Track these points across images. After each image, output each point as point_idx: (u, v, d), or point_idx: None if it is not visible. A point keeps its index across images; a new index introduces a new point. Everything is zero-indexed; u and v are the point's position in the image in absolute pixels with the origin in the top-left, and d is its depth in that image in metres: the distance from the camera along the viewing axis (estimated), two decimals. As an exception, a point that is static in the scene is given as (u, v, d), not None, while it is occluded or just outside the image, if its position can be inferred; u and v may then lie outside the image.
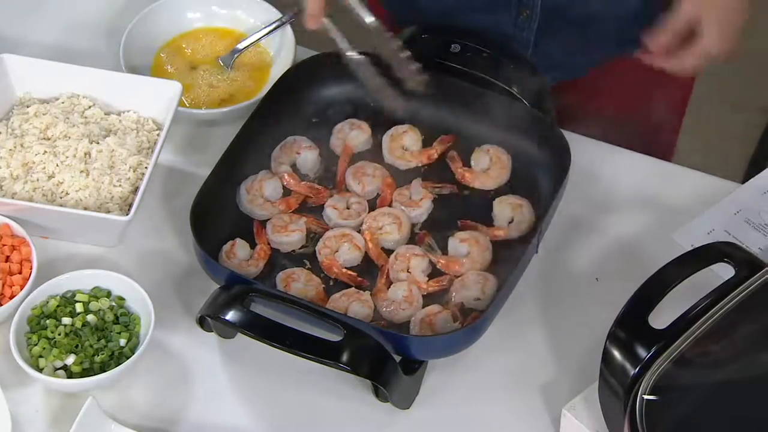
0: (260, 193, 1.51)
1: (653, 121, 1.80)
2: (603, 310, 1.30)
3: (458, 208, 1.51)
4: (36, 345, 1.38)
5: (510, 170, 1.53)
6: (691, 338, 1.20)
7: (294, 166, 1.55)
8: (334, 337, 1.32)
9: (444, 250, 1.47)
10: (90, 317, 1.41)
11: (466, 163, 1.54)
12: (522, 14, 1.63)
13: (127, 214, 1.46)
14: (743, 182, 1.58)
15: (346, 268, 1.46)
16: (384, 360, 1.32)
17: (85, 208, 1.47)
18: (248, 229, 1.49)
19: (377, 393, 1.36)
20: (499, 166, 1.52)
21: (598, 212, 1.54)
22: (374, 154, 1.56)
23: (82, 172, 1.50)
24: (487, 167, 1.53)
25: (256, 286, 1.38)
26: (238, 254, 1.46)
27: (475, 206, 1.51)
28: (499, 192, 1.52)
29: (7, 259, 1.45)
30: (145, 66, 1.68)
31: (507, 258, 1.44)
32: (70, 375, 1.37)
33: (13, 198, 1.48)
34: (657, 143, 1.75)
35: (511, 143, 1.54)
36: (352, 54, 1.49)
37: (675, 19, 1.45)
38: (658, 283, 1.25)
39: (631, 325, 1.23)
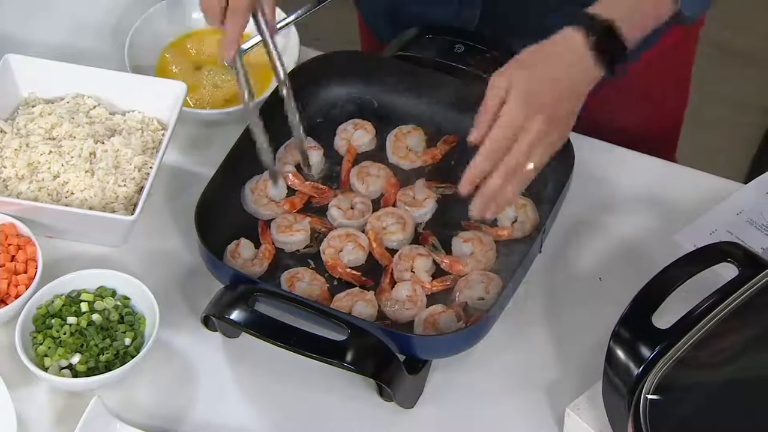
0: (265, 193, 1.51)
1: (653, 121, 1.80)
2: (606, 310, 1.31)
3: (462, 208, 1.50)
4: (41, 344, 1.39)
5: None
6: (694, 338, 1.20)
7: (298, 166, 1.55)
8: (339, 336, 1.33)
9: (448, 250, 1.47)
10: (95, 316, 1.41)
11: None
12: (463, 10, 1.62)
13: (132, 214, 1.46)
14: (746, 182, 1.58)
15: (350, 267, 1.46)
16: (388, 359, 1.33)
17: (90, 208, 1.48)
18: (253, 228, 1.50)
19: (381, 392, 1.37)
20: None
21: (602, 212, 1.55)
22: (378, 154, 1.57)
23: (87, 171, 1.50)
24: None
25: (260, 286, 1.38)
26: (243, 254, 1.46)
27: (479, 206, 1.51)
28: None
29: (13, 258, 1.45)
30: (150, 66, 1.69)
31: (511, 258, 1.45)
32: (76, 374, 1.37)
33: (18, 198, 1.48)
34: (659, 144, 1.75)
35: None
36: (249, 102, 1.45)
37: (487, 96, 1.32)
38: (662, 282, 1.26)
39: (635, 324, 1.23)
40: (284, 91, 1.45)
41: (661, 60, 1.69)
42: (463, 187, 1.31)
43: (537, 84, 1.30)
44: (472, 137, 1.30)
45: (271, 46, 1.44)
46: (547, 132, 1.30)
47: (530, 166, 1.30)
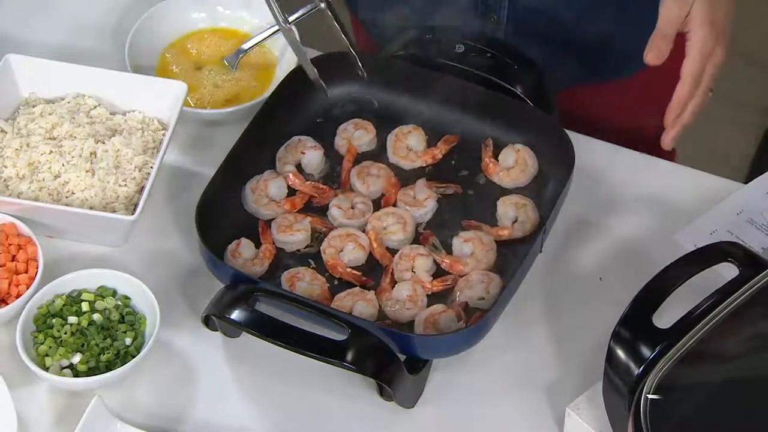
0: (265, 193, 1.51)
1: (652, 120, 1.80)
2: (607, 310, 1.31)
3: (462, 208, 1.51)
4: (42, 344, 1.39)
5: (530, 176, 1.53)
6: (695, 338, 1.20)
7: (299, 166, 1.55)
8: (339, 336, 1.33)
9: (448, 250, 1.47)
10: (96, 316, 1.41)
11: (473, 160, 1.54)
12: (490, 18, 1.63)
13: (132, 214, 1.46)
14: (746, 182, 1.58)
15: (350, 267, 1.46)
16: (389, 359, 1.33)
17: (91, 208, 1.48)
18: (253, 228, 1.50)
19: (382, 392, 1.37)
20: (521, 169, 1.52)
21: (602, 212, 1.55)
22: (379, 153, 1.57)
23: (87, 171, 1.50)
24: (511, 165, 1.53)
25: (261, 286, 1.38)
26: (243, 254, 1.46)
27: (480, 206, 1.51)
28: (505, 192, 1.52)
29: (14, 258, 1.45)
30: (151, 66, 1.69)
31: (511, 258, 1.45)
32: (76, 374, 1.37)
33: (19, 197, 1.48)
34: (659, 144, 1.75)
35: (515, 143, 1.55)
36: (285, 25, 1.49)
37: (661, 24, 1.40)
38: (662, 282, 1.26)
39: (636, 324, 1.23)
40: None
41: (666, 65, 1.69)
42: (667, 119, 1.40)
43: (718, 13, 1.37)
44: (651, 58, 1.38)
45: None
46: (724, 59, 1.38)
47: (710, 92, 1.40)
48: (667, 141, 1.43)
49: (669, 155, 1.80)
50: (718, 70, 1.40)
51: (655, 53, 1.38)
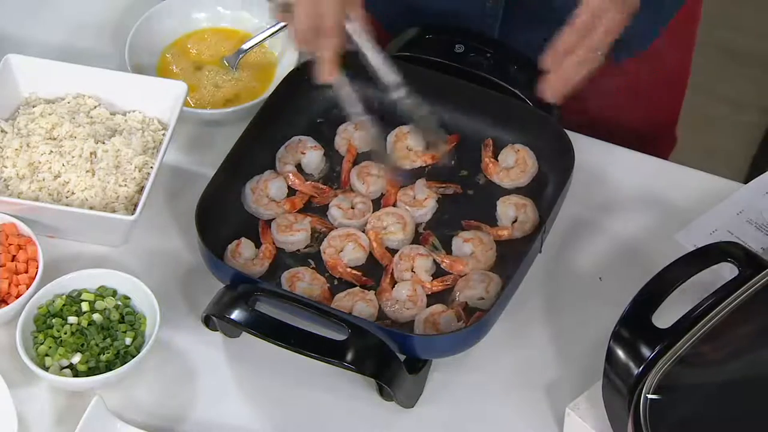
0: (265, 193, 1.52)
1: (648, 120, 1.80)
2: (606, 310, 1.31)
3: (462, 208, 1.51)
4: (42, 344, 1.39)
5: (530, 176, 1.53)
6: (694, 338, 1.20)
7: (299, 166, 1.55)
8: (339, 336, 1.33)
9: (448, 250, 1.48)
10: (96, 316, 1.41)
11: (476, 159, 1.54)
12: (488, 0, 1.63)
13: (132, 214, 1.46)
14: (746, 182, 1.58)
15: (350, 267, 1.46)
16: (388, 359, 1.33)
17: (91, 208, 1.48)
18: (253, 228, 1.50)
19: (382, 392, 1.37)
20: (521, 169, 1.52)
21: (602, 212, 1.55)
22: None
23: (87, 171, 1.50)
24: (511, 166, 1.53)
25: (261, 286, 1.38)
26: (243, 254, 1.46)
27: (479, 206, 1.51)
28: (504, 192, 1.52)
29: (14, 258, 1.45)
30: (151, 66, 1.69)
31: (511, 257, 1.45)
32: (76, 374, 1.38)
33: (19, 197, 1.48)
34: (655, 142, 1.76)
35: (515, 143, 1.55)
36: (361, 117, 1.48)
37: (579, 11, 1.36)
38: (662, 282, 1.26)
39: (635, 324, 1.24)
40: (397, 95, 1.47)
41: (658, 55, 1.70)
42: (546, 60, 1.36)
43: None
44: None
45: (374, 55, 1.44)
46: (621, 21, 1.36)
47: (599, 52, 1.36)
48: (542, 87, 1.38)
49: (664, 153, 1.81)
50: (611, 32, 1.36)
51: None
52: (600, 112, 1.71)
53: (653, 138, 1.78)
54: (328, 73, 1.42)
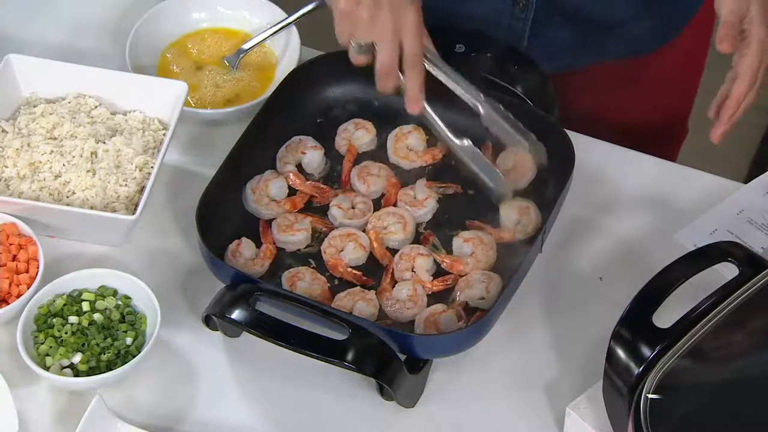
0: (266, 193, 1.52)
1: (658, 121, 1.80)
2: (607, 310, 1.31)
3: (463, 208, 1.51)
4: (43, 343, 1.39)
5: (529, 177, 1.52)
6: (695, 337, 1.20)
7: (299, 166, 1.55)
8: (340, 336, 1.33)
9: (448, 250, 1.48)
10: (96, 316, 1.41)
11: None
12: (518, 3, 1.63)
13: (133, 214, 1.46)
14: (746, 182, 1.58)
15: (351, 267, 1.46)
16: (389, 359, 1.33)
17: (92, 208, 1.48)
18: (254, 228, 1.50)
19: (382, 391, 1.37)
20: (520, 172, 1.52)
21: (602, 212, 1.55)
22: (379, 153, 1.57)
23: (88, 171, 1.50)
24: (510, 168, 1.53)
25: (261, 285, 1.38)
26: (244, 253, 1.46)
27: (480, 206, 1.51)
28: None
29: (14, 258, 1.45)
30: (151, 66, 1.69)
31: (511, 257, 1.45)
32: (77, 373, 1.38)
33: (20, 197, 1.48)
34: (661, 144, 1.76)
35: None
36: (455, 141, 1.47)
37: (726, 17, 1.39)
38: (662, 282, 1.26)
39: (636, 324, 1.24)
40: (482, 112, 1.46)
41: (671, 59, 1.70)
42: (725, 113, 1.41)
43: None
44: (725, 47, 1.37)
45: (452, 77, 1.46)
46: None
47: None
48: (717, 135, 1.44)
49: (671, 155, 1.81)
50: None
51: (728, 41, 1.38)
52: (604, 111, 1.71)
53: (666, 129, 1.78)
54: (416, 103, 1.43)
